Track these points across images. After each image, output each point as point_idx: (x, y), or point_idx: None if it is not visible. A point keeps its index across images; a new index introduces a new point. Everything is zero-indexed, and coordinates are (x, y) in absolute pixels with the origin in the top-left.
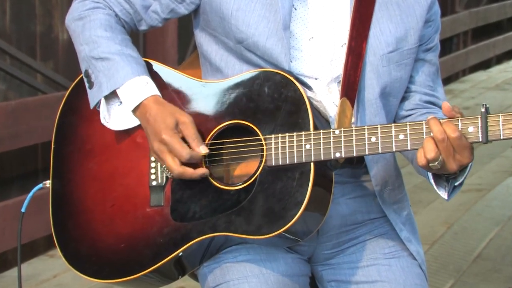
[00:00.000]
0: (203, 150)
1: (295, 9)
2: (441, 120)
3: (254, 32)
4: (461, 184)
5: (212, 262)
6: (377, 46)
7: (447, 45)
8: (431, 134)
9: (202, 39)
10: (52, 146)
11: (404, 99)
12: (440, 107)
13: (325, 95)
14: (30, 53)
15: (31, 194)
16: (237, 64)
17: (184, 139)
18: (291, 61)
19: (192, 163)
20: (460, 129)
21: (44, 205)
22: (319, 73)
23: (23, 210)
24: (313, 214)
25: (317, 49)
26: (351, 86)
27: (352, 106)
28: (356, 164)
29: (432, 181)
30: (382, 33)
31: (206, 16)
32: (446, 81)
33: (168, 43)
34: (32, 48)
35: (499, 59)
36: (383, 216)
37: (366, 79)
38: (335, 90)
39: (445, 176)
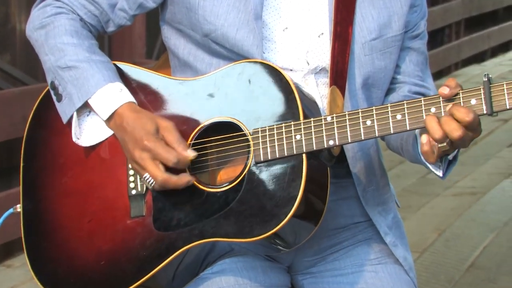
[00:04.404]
0: (191, 153)
1: None
2: (447, 107)
3: (224, 23)
4: (455, 158)
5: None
6: (359, 33)
7: (438, 37)
8: (440, 117)
9: (169, 33)
10: (21, 164)
11: (391, 90)
12: None
13: (302, 87)
14: None
15: (0, 221)
16: (206, 58)
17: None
18: (264, 53)
19: (175, 171)
20: (461, 102)
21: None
22: (294, 65)
23: None
24: (308, 213)
25: (292, 40)
26: (339, 74)
27: (343, 94)
28: (337, 163)
29: (423, 158)
30: (364, 19)
31: (172, 8)
32: (437, 75)
33: (135, 35)
34: None
35: (494, 51)
36: (367, 220)
37: (348, 69)
38: (312, 82)
39: None
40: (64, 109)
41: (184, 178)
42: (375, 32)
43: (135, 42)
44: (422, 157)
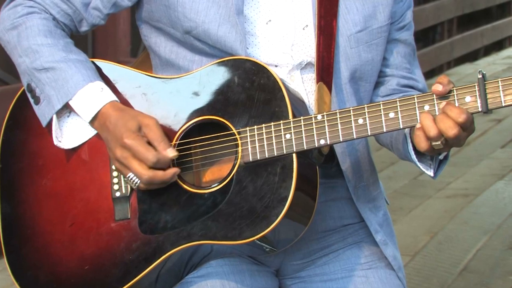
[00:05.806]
0: (170, 153)
1: None
2: (441, 106)
3: (204, 20)
4: (446, 157)
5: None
6: (344, 25)
7: (430, 35)
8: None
9: (148, 32)
10: None
11: (379, 84)
12: (419, 90)
13: (287, 84)
14: None
15: None
16: (188, 55)
17: (150, 144)
18: (247, 48)
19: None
20: (456, 100)
21: None
22: (279, 60)
23: None
24: (298, 214)
25: (276, 33)
26: (326, 69)
27: (330, 91)
28: (326, 162)
29: (414, 157)
30: (349, 11)
31: (149, 6)
32: (429, 74)
33: (120, 33)
34: None
35: (487, 50)
36: (357, 222)
37: (334, 62)
38: (298, 78)
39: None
40: (43, 112)
41: (170, 171)
42: (360, 24)
43: (119, 40)
44: (411, 151)
